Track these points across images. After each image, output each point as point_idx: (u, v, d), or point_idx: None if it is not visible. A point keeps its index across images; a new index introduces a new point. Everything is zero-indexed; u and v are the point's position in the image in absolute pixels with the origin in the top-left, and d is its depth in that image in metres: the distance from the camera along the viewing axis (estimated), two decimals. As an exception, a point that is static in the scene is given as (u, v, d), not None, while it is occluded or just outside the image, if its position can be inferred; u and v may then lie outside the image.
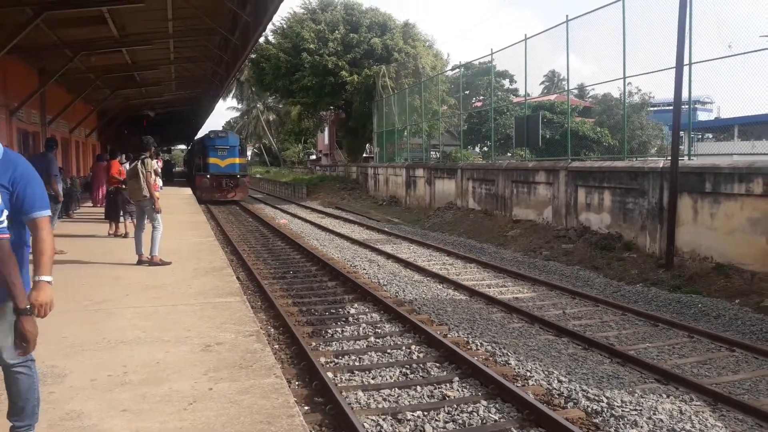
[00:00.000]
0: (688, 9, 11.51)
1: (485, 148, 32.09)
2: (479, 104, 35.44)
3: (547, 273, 12.11)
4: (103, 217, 12.96)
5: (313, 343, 7.28)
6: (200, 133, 47.46)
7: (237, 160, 29.94)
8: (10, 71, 15.63)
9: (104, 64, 18.47)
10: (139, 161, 9.16)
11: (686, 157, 12.48)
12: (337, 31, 35.16)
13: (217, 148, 29.41)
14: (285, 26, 37.86)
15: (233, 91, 57.98)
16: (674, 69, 11.77)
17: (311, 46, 34.90)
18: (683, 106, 12.43)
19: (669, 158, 12.16)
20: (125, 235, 11.75)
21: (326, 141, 57.13)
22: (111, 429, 3.38)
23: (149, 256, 8.85)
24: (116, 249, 10.16)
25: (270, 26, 35.71)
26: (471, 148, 31.85)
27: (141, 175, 8.99)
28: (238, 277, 8.86)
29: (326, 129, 54.48)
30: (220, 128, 39.55)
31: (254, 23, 13.50)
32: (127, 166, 14.43)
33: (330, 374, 6.15)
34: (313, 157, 64.61)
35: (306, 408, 5.35)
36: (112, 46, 15.58)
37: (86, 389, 3.97)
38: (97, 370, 4.31)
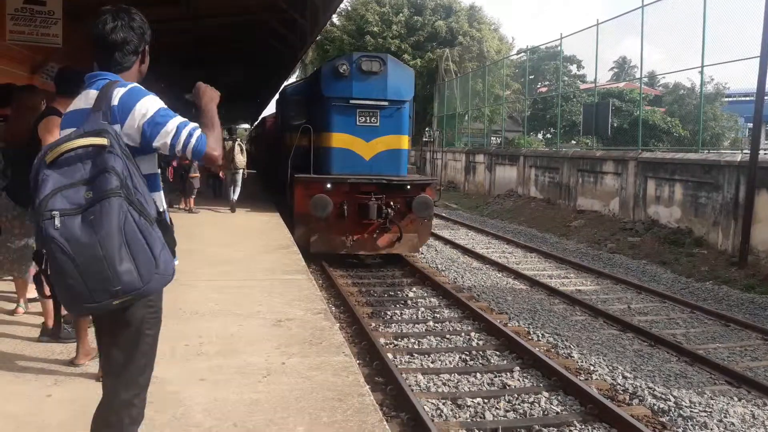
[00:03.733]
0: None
1: (548, 135, 31.46)
2: (544, 89, 34.69)
3: (612, 266, 11.83)
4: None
5: (373, 324, 7.37)
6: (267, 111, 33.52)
7: (402, 141, 10.80)
8: (83, 48, 16.18)
9: (172, 41, 18.88)
10: (238, 143, 13.24)
11: (765, 152, 11.88)
12: (401, 14, 34.96)
13: (352, 105, 10.33)
14: (349, 8, 37.92)
15: (297, 73, 58.56)
16: (758, 59, 11.18)
17: (375, 29, 34.84)
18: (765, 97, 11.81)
19: (747, 152, 11.62)
20: (192, 210, 12.21)
21: (386, 123, 57.09)
22: (192, 397, 3.53)
23: (234, 199, 12.81)
24: (187, 224, 10.53)
25: (335, 7, 35.57)
26: (534, 135, 31.28)
27: (245, 153, 13.26)
28: (301, 256, 9.03)
29: (386, 111, 54.44)
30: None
31: (323, 5, 13.57)
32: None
33: (390, 355, 6.23)
34: (372, 139, 64.78)
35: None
36: (181, 26, 15.92)
37: (166, 357, 4.15)
38: (175, 340, 4.50)
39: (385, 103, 10.28)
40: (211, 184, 15.97)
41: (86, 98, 2.27)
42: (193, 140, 2.19)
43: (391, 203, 10.05)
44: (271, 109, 30.56)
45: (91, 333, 4.04)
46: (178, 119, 2.22)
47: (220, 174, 14.36)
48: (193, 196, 12.58)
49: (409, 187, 10.23)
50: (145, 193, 2.09)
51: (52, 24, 10.08)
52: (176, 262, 2.26)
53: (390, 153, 10.48)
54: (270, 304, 5.55)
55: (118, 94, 2.20)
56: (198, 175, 12.71)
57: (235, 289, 6.09)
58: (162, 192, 2.40)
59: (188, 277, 6.62)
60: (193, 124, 2.23)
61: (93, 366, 3.88)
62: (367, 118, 10.30)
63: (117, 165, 2.02)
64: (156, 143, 2.21)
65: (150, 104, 2.21)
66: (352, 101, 10.15)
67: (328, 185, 9.87)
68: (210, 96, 2.43)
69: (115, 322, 2.22)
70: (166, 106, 2.27)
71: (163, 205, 2.35)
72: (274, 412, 3.42)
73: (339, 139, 10.32)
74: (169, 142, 2.19)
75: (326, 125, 10.37)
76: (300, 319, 5.14)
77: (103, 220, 1.93)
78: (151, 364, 2.34)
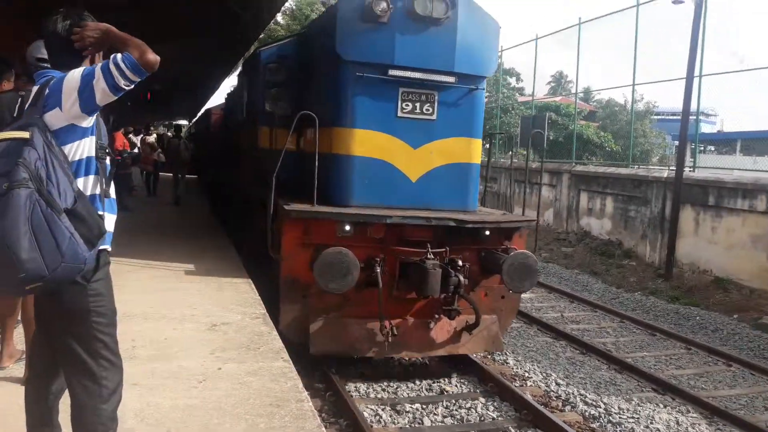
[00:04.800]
0: (701, 23, 11.51)
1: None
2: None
3: (546, 275, 12.14)
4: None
5: (312, 329, 7.26)
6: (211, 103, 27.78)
7: (473, 150, 6.27)
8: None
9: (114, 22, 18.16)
10: (183, 140, 14.65)
11: (690, 169, 12.51)
12: (347, 17, 34.93)
13: (392, 80, 5.77)
14: (294, 7, 37.62)
15: (239, 69, 57.66)
16: (684, 80, 11.78)
17: (320, 30, 34.68)
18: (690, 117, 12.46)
19: (673, 168, 12.20)
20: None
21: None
22: (124, 402, 3.33)
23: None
24: (119, 221, 10.14)
25: (280, 7, 35.09)
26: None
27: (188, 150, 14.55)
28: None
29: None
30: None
31: (267, 2, 13.40)
32: (135, 138, 14.80)
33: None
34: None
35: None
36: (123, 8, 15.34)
37: (94, 361, 3.96)
38: (104, 342, 4.30)
39: (451, 80, 5.92)
40: (143, 179, 15.48)
41: (32, 95, 2.30)
42: (122, 64, 2.17)
43: (459, 262, 5.66)
44: (214, 102, 28.33)
45: (17, 333, 3.83)
46: (99, 65, 2.22)
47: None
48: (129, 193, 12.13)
49: (488, 232, 5.92)
50: (60, 183, 2.11)
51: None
52: (105, 247, 2.33)
53: (452, 170, 6.08)
54: (205, 308, 5.37)
55: (51, 84, 2.25)
56: (130, 172, 12.30)
57: (170, 291, 5.88)
58: (95, 176, 2.32)
59: (119, 278, 6.32)
60: (111, 57, 2.21)
61: (17, 369, 3.65)
62: (417, 105, 5.89)
63: (30, 157, 2.06)
64: (98, 98, 2.20)
65: (75, 74, 2.23)
66: (393, 72, 5.74)
67: (347, 227, 5.47)
68: (96, 32, 2.34)
69: (59, 316, 2.28)
70: (88, 67, 2.27)
71: (96, 189, 2.32)
72: (209, 418, 3.31)
73: (367, 142, 5.80)
74: (105, 86, 2.18)
75: (343, 115, 5.84)
76: (237, 323, 5.00)
77: (8, 210, 1.98)
78: (114, 358, 2.36)
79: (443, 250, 5.60)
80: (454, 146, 6.05)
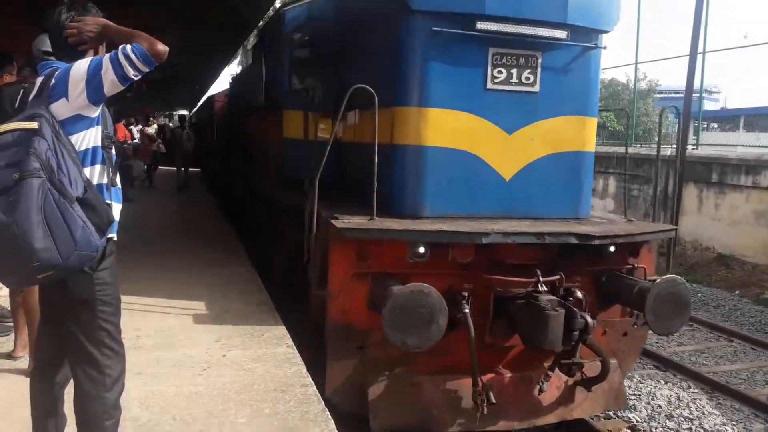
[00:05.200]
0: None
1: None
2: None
3: (549, 256, 12.18)
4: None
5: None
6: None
7: (587, 132, 4.60)
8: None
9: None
10: (186, 131, 15.10)
11: (693, 147, 12.48)
12: (345, 2, 34.63)
13: (479, 37, 4.13)
14: (293, -6, 37.33)
15: (238, 58, 57.40)
16: (687, 57, 11.69)
17: (319, 15, 34.37)
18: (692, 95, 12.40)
19: (676, 146, 12.16)
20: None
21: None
22: (128, 390, 3.38)
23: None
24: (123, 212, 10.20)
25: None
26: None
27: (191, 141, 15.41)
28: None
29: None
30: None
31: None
32: (135, 129, 14.82)
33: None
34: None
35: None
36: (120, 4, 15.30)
37: (100, 351, 4.02)
38: (110, 333, 4.36)
39: (562, 35, 4.36)
40: (145, 169, 15.49)
41: (36, 86, 2.31)
42: (132, 55, 2.19)
43: (578, 293, 4.13)
44: (214, 91, 26.82)
45: None
46: (107, 55, 2.23)
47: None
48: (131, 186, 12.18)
49: (613, 248, 4.30)
50: (71, 172, 2.12)
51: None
52: (111, 236, 2.33)
53: (561, 162, 4.53)
54: (210, 297, 5.44)
55: (56, 75, 2.25)
56: (132, 163, 12.34)
57: (174, 281, 5.94)
58: (101, 165, 2.34)
59: (123, 267, 6.39)
60: (120, 48, 2.22)
61: (26, 361, 3.71)
62: (514, 71, 4.34)
63: (40, 147, 2.07)
64: (106, 88, 2.21)
65: (82, 65, 2.23)
66: (482, 25, 4.19)
67: (421, 250, 3.91)
68: (94, 27, 2.34)
69: (65, 305, 2.30)
70: (96, 57, 2.29)
71: (103, 179, 2.34)
72: (214, 405, 3.37)
73: (444, 127, 4.27)
74: (114, 77, 2.20)
75: (410, 89, 4.30)
76: (241, 311, 5.06)
77: (20, 199, 1.99)
78: (117, 347, 2.39)
79: (557, 277, 4.02)
80: (564, 129, 4.48)
